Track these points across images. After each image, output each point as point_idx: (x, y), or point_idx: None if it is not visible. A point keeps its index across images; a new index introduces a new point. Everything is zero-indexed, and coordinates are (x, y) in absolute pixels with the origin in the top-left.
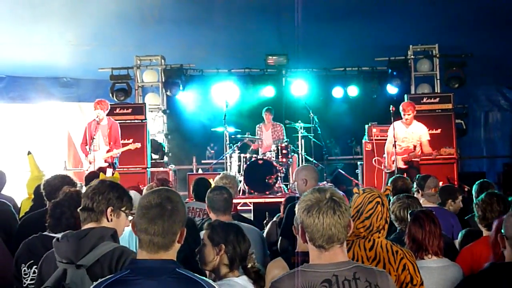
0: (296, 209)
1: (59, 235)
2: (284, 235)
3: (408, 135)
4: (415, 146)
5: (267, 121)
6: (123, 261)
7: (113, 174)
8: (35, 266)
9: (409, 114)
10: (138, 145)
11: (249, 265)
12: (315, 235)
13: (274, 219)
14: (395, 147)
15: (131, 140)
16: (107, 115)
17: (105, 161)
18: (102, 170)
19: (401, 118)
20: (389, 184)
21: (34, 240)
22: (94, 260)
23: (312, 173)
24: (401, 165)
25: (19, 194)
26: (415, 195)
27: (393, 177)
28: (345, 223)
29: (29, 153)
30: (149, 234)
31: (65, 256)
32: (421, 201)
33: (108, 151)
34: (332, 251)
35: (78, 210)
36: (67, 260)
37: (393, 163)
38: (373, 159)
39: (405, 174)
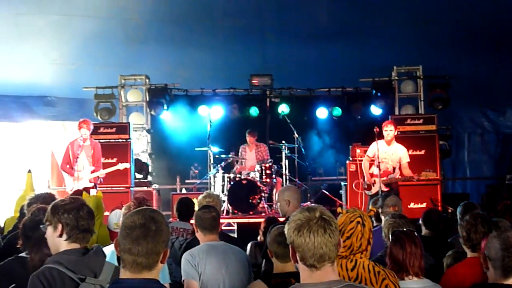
0: (285, 229)
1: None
2: (267, 257)
3: (388, 155)
4: (394, 168)
5: (250, 142)
6: None
7: (97, 192)
8: None
9: (391, 130)
10: (127, 165)
11: None
12: (306, 254)
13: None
14: (379, 168)
15: (115, 160)
16: (90, 134)
17: (90, 181)
18: (87, 190)
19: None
20: (371, 206)
21: (11, 264)
22: (111, 275)
23: (295, 194)
24: (383, 187)
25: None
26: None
27: (373, 198)
28: (336, 242)
29: (29, 171)
30: (132, 254)
31: (91, 271)
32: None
33: (93, 172)
34: (323, 270)
35: (74, 231)
36: (92, 275)
37: (373, 185)
38: (354, 184)
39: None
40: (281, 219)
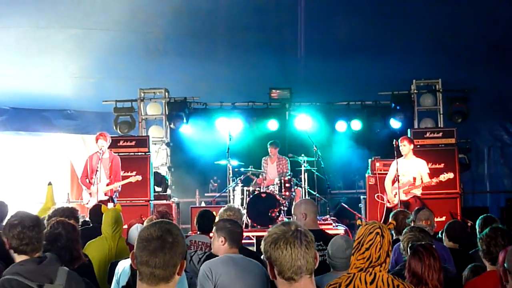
0: (262, 245)
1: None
2: None
3: (408, 168)
4: (414, 178)
5: (272, 154)
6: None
7: (115, 205)
8: None
9: (404, 145)
10: (139, 177)
11: None
12: (284, 267)
13: None
14: (398, 182)
15: (134, 173)
16: (108, 147)
17: (105, 194)
18: (104, 203)
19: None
20: (391, 219)
21: None
22: (65, 279)
23: (312, 207)
24: (403, 197)
25: None
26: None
27: (394, 211)
28: (313, 254)
29: (49, 183)
30: (150, 266)
31: (47, 278)
32: None
33: (108, 184)
34: (301, 282)
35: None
36: (49, 281)
37: (395, 197)
38: (376, 195)
39: (409, 207)
40: None
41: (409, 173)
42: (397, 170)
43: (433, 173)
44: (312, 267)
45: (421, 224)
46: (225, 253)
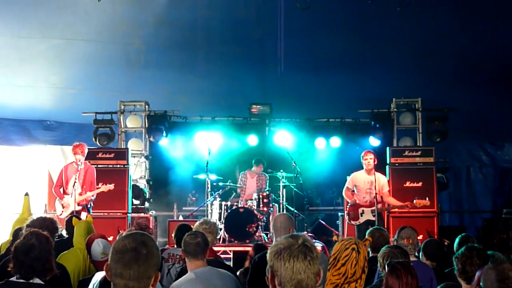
0: (267, 254)
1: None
2: (251, 285)
3: (371, 185)
4: (381, 196)
5: (256, 171)
6: None
7: (86, 217)
8: None
9: (371, 159)
10: (111, 186)
11: None
12: (284, 279)
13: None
14: (377, 198)
15: (112, 185)
16: (87, 159)
17: (79, 204)
18: (78, 213)
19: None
20: (367, 236)
21: None
22: None
23: (286, 221)
24: (370, 217)
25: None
26: None
27: (371, 228)
28: (315, 270)
29: (26, 194)
30: (124, 278)
31: None
32: None
33: (80, 194)
34: None
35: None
36: None
37: (361, 215)
38: (340, 214)
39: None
40: None
41: (372, 190)
42: (375, 187)
43: (411, 192)
44: (312, 284)
45: (403, 243)
46: (190, 268)
